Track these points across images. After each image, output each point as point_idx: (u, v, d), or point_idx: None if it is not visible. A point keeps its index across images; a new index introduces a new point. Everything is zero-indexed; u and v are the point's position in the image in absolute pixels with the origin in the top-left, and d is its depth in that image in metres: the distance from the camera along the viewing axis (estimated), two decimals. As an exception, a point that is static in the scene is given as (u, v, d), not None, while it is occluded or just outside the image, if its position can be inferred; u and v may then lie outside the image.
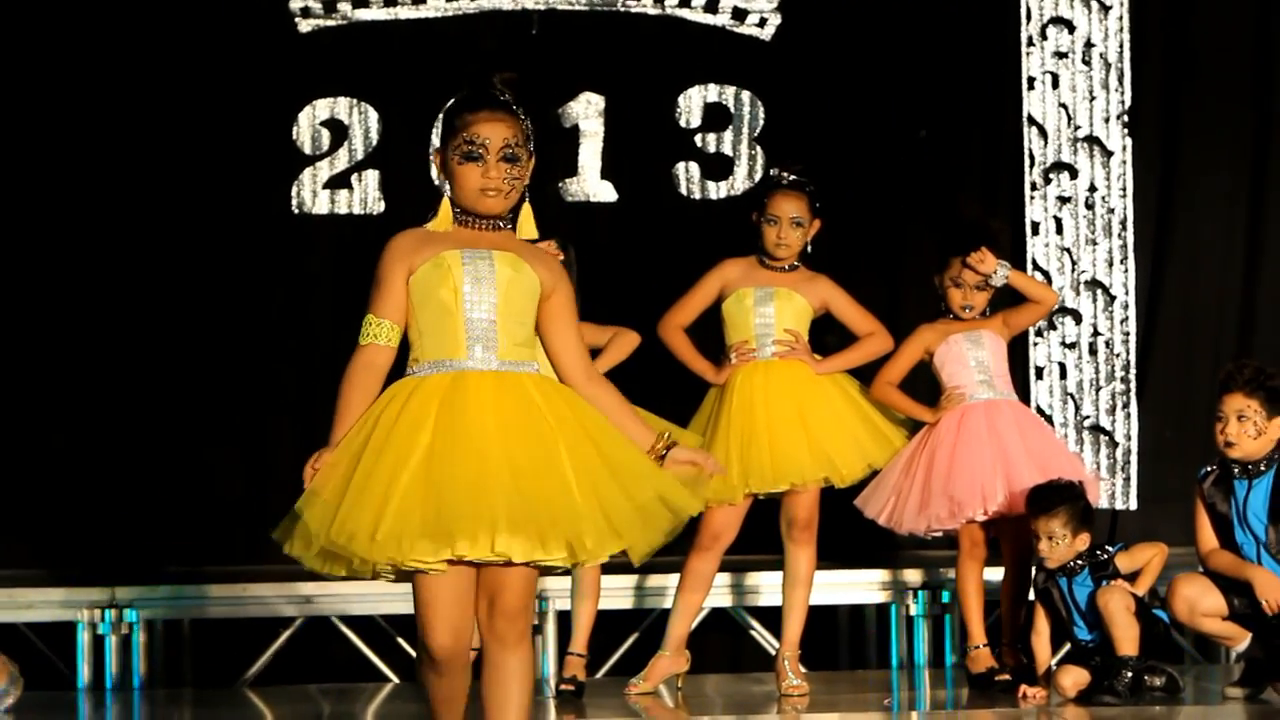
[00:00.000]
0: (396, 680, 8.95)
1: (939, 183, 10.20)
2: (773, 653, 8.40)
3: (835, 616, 9.45)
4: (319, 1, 10.02)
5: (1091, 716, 7.31)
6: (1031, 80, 10.26)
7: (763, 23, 10.19)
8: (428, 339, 4.96)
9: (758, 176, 9.99)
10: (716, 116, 10.20)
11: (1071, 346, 10.19)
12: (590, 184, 10.16)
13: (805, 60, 10.22)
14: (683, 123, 10.21)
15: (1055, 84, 10.26)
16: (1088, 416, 10.16)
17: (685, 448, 5.07)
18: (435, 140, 5.24)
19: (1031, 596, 7.89)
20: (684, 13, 10.17)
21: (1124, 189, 10.25)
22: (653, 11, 10.17)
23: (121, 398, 9.82)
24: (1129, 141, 10.27)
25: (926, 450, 7.99)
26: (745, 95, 10.20)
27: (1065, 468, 7.99)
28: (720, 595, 8.80)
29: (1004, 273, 8.06)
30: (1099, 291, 10.21)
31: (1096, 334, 10.19)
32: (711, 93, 10.21)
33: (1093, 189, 10.24)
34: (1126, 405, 10.18)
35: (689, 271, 8.13)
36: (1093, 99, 10.27)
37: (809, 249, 7.95)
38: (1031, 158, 10.25)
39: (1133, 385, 10.19)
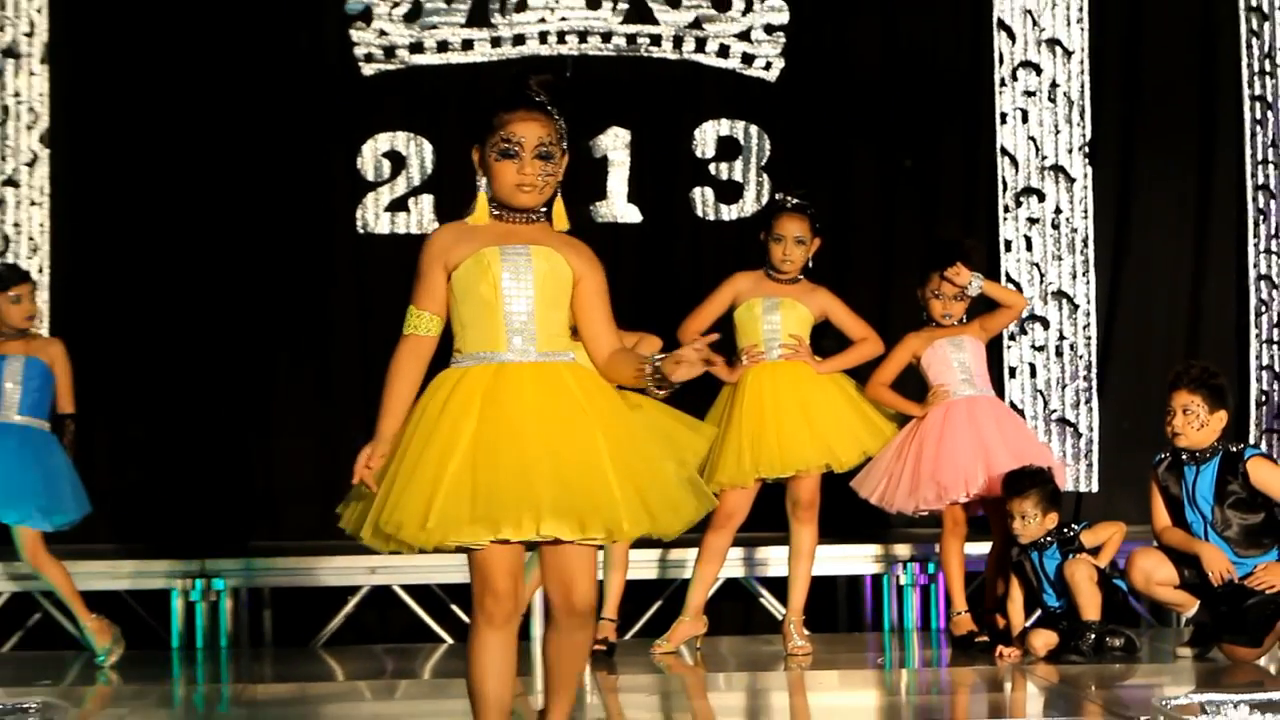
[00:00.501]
0: (450, 641, 8.94)
1: (923, 206, 10.22)
2: (780, 617, 8.42)
3: (834, 586, 9.42)
4: (381, 49, 10.05)
5: (1059, 673, 7.29)
6: (1004, 116, 10.25)
7: (768, 66, 10.20)
8: (469, 331, 4.77)
9: (764, 200, 9.98)
10: (728, 148, 10.21)
11: (1040, 349, 10.19)
12: (618, 207, 10.18)
13: (805, 99, 10.23)
14: (699, 153, 10.22)
15: (1025, 119, 10.25)
16: (1055, 410, 10.16)
17: (668, 363, 4.67)
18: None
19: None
20: (699, 57, 10.18)
21: (1085, 211, 10.25)
22: (672, 57, 10.18)
23: (212, 395, 9.83)
24: (1089, 170, 10.26)
25: (915, 440, 7.99)
26: (753, 129, 10.21)
27: (1036, 456, 8.00)
28: (734, 567, 8.79)
29: (978, 284, 8.07)
30: (1064, 301, 10.20)
31: (1062, 338, 10.19)
32: (724, 127, 10.21)
33: (1058, 211, 10.22)
34: (1089, 400, 10.18)
35: (705, 283, 8.16)
36: (1058, 132, 10.26)
37: (810, 264, 7.96)
38: (1004, 184, 10.23)
39: (1094, 383, 10.18)
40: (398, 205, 10.09)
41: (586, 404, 4.72)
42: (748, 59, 10.19)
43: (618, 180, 10.15)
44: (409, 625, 9.14)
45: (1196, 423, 7.53)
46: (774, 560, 8.80)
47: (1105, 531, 7.82)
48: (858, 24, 10.33)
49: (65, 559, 8.08)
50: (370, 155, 10.08)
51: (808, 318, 7.95)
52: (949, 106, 10.30)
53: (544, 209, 4.88)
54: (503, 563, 4.64)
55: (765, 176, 10.17)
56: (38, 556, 7.90)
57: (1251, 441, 9.75)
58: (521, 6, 10.10)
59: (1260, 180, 10.29)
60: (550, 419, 4.66)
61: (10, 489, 7.80)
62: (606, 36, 10.12)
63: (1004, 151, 10.24)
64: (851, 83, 10.30)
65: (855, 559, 9.09)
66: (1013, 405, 9.93)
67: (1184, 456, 7.60)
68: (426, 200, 10.09)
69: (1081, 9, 10.27)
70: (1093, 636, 7.54)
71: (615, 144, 10.16)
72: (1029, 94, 10.25)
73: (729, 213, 10.18)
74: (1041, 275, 10.19)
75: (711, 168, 10.21)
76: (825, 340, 8.19)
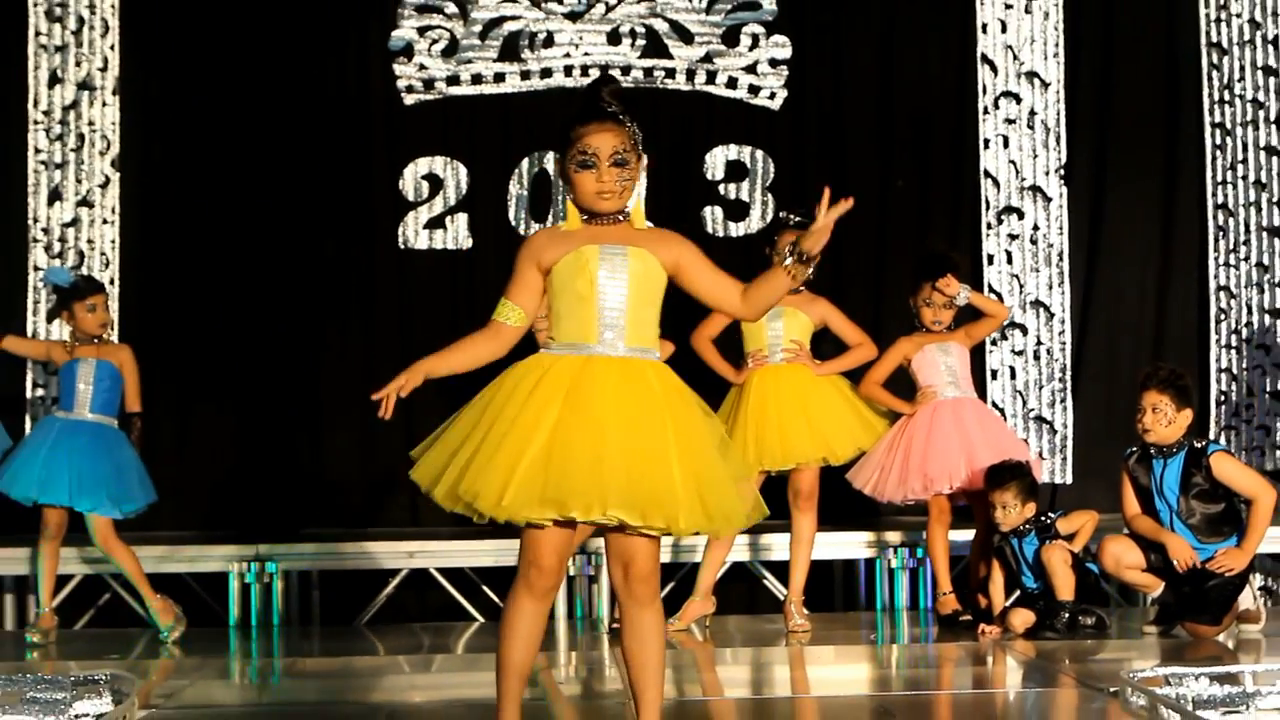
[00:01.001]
0: (481, 620, 8.93)
1: (913, 223, 10.17)
2: (781, 598, 8.38)
3: (831, 569, 9.39)
4: (421, 81, 10.04)
5: (1036, 648, 7.26)
6: (987, 141, 10.22)
7: (773, 96, 10.17)
8: (564, 322, 4.67)
9: (769, 218, 9.97)
10: (736, 170, 10.18)
11: (1019, 354, 10.14)
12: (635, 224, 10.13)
13: (806, 126, 10.21)
14: (709, 175, 10.19)
15: (1006, 144, 10.21)
16: (1033, 409, 10.11)
17: (805, 239, 4.72)
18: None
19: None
20: (709, 89, 10.15)
21: (1061, 228, 10.21)
22: (685, 88, 10.15)
23: (267, 395, 9.85)
24: (1065, 190, 10.22)
25: (905, 436, 7.98)
26: (759, 153, 10.18)
27: (1014, 451, 7.98)
28: (740, 552, 8.76)
29: (965, 294, 8.04)
30: (1041, 310, 10.16)
31: (1039, 344, 10.15)
32: (732, 152, 10.18)
33: (1036, 228, 10.19)
34: (1063, 400, 10.13)
35: (714, 294, 8.12)
36: (1036, 156, 10.22)
37: (811, 276, 7.89)
38: (987, 203, 10.20)
39: (1068, 384, 10.14)
40: (435, 223, 10.08)
41: (664, 404, 4.63)
42: (754, 90, 10.16)
43: (634, 200, 10.09)
44: (444, 605, 9.12)
45: (1165, 420, 7.49)
46: (776, 546, 8.77)
47: (1079, 519, 7.80)
48: (854, 59, 10.31)
49: (132, 544, 8.08)
50: (410, 177, 10.07)
51: (808, 325, 7.96)
52: (937, 133, 10.27)
53: (625, 211, 4.79)
54: (554, 541, 4.58)
55: (770, 196, 10.14)
56: (109, 541, 7.90)
57: (1212, 437, 9.69)
58: (548, 43, 10.10)
59: (1220, 200, 10.25)
60: (628, 413, 4.56)
61: (83, 480, 7.81)
62: (626, 70, 10.09)
63: (987, 174, 10.20)
64: (848, 111, 10.29)
65: (850, 545, 9.06)
66: (994, 405, 9.91)
67: (1152, 451, 7.56)
68: (461, 218, 10.08)
69: (1058, 45, 10.24)
70: (1067, 615, 7.52)
71: (633, 167, 10.10)
72: (1009, 121, 10.21)
73: (737, 229, 10.15)
74: (1021, 286, 10.15)
75: (721, 189, 10.19)
76: (824, 345, 8.19)
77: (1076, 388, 10.17)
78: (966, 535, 8.33)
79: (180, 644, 7.85)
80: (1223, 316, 10.20)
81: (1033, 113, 10.21)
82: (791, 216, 7.86)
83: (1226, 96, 10.25)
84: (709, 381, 7.99)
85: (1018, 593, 7.82)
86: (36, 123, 9.89)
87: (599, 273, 4.65)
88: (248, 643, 8.23)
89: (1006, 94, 10.23)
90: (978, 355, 9.51)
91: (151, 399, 8.41)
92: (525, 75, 10.09)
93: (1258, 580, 9.10)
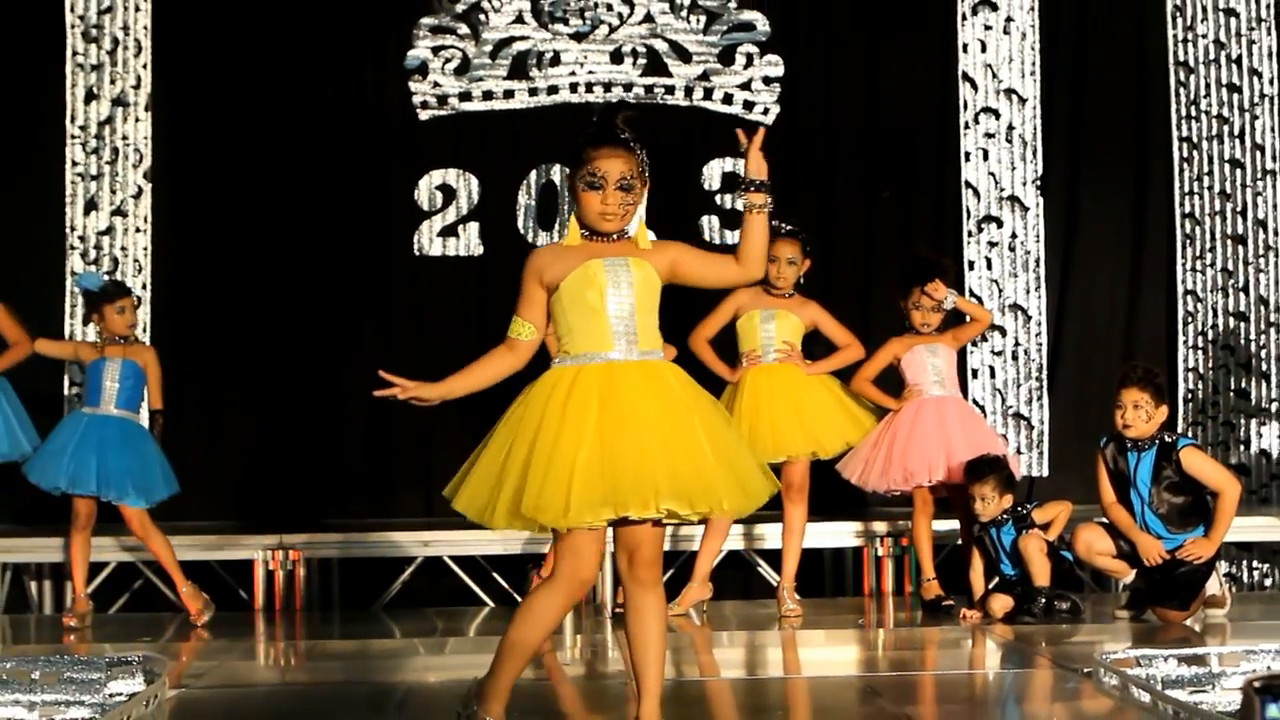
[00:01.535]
0: (492, 605, 8.92)
1: (899, 231, 10.15)
2: (775, 584, 8.36)
3: (821, 557, 9.38)
4: (435, 97, 10.03)
5: (1014, 632, 7.25)
6: (968, 154, 10.20)
7: (766, 111, 10.16)
8: (577, 335, 4.62)
9: (762, 227, 9.93)
10: (731, 181, 10.14)
11: (999, 354, 10.13)
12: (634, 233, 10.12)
13: (798, 139, 10.18)
14: (706, 186, 10.17)
15: (986, 157, 10.20)
16: (1011, 406, 10.10)
17: (749, 167, 4.75)
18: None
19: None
20: (706, 104, 10.14)
21: (1038, 236, 10.19)
22: (683, 103, 10.14)
23: (289, 394, 9.84)
24: (1041, 200, 10.21)
25: (890, 431, 7.97)
26: (753, 166, 10.15)
27: (992, 447, 7.96)
28: (735, 540, 8.72)
29: (952, 299, 8.03)
30: (1019, 313, 10.14)
31: (1017, 345, 10.13)
32: (728, 164, 10.15)
33: (1014, 236, 10.17)
34: (1040, 398, 10.12)
35: (711, 298, 8.07)
36: (1014, 168, 10.20)
37: (801, 281, 7.93)
38: (968, 212, 10.18)
39: (1044, 383, 10.13)
40: (448, 231, 10.07)
41: (686, 399, 4.63)
42: (748, 105, 10.14)
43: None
44: (457, 591, 9.09)
45: (1145, 416, 7.46)
46: (770, 535, 8.74)
47: (1054, 510, 7.78)
48: (843, 76, 10.29)
49: (165, 534, 8.05)
50: (425, 188, 10.06)
51: (799, 327, 7.94)
52: (921, 146, 10.25)
53: (625, 232, 4.73)
54: (597, 549, 4.56)
55: (763, 206, 10.09)
56: (146, 529, 7.92)
57: (1180, 432, 9.67)
58: (555, 62, 10.09)
59: (1187, 209, 10.23)
60: (658, 411, 4.55)
61: (109, 472, 7.83)
62: (628, 87, 10.08)
63: (968, 184, 10.19)
64: (837, 126, 10.28)
65: (839, 534, 9.03)
66: (975, 403, 9.89)
67: (1127, 444, 7.52)
68: (473, 227, 10.07)
69: (1034, 64, 10.23)
70: (1043, 600, 7.50)
71: (634, 178, 10.09)
72: (989, 135, 10.19)
73: (732, 238, 10.11)
74: (1000, 290, 10.13)
75: (717, 199, 10.17)
76: (815, 347, 8.17)
77: (1052, 386, 10.15)
78: (949, 525, 8.29)
79: (208, 628, 7.84)
80: (1190, 319, 10.18)
81: (1011, 127, 10.20)
82: (783, 225, 7.83)
83: (1193, 112, 10.23)
84: (706, 380, 7.93)
85: (997, 579, 7.80)
86: (74, 137, 9.90)
87: (606, 285, 4.62)
88: (272, 626, 8.21)
89: (986, 110, 10.21)
90: (962, 355, 9.49)
91: (181, 398, 8.42)
92: (533, 92, 10.08)
93: (1223, 568, 9.08)
